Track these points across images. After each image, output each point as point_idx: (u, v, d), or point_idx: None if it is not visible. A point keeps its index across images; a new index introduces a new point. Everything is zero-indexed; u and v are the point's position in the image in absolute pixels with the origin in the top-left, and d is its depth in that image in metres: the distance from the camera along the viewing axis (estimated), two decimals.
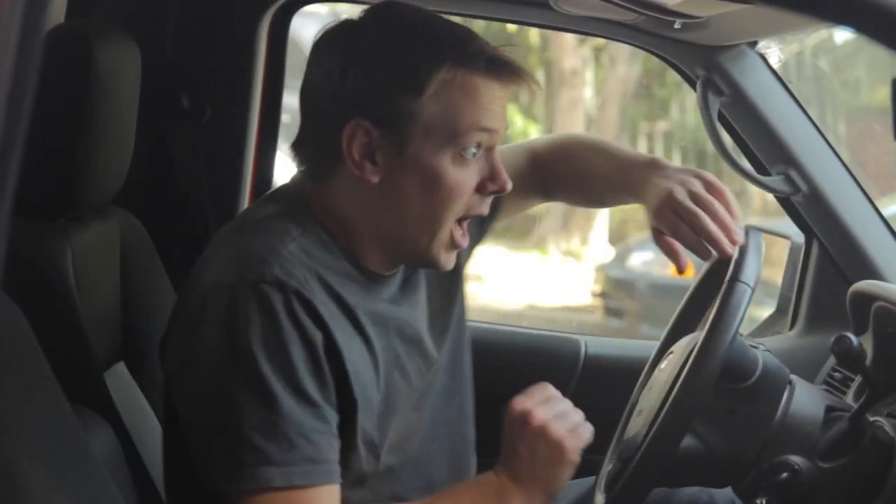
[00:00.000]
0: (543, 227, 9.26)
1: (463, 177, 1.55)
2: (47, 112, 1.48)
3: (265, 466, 1.44)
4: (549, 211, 9.19)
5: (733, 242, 1.65)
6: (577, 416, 1.58)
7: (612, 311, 7.26)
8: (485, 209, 1.60)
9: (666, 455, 1.56)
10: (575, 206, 2.03)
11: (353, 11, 2.56)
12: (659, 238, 1.72)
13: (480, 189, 1.57)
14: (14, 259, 1.07)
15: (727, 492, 1.91)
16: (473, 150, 1.55)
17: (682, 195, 1.68)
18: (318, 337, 1.48)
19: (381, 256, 1.60)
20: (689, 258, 1.71)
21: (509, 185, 1.58)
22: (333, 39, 1.57)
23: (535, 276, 8.85)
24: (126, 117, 1.74)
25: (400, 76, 1.52)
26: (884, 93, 1.25)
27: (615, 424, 1.84)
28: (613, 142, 1.94)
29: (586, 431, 1.57)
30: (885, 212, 2.31)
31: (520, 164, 1.91)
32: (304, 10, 2.45)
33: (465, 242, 1.60)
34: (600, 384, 2.33)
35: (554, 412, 1.57)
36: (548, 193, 1.95)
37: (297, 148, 1.61)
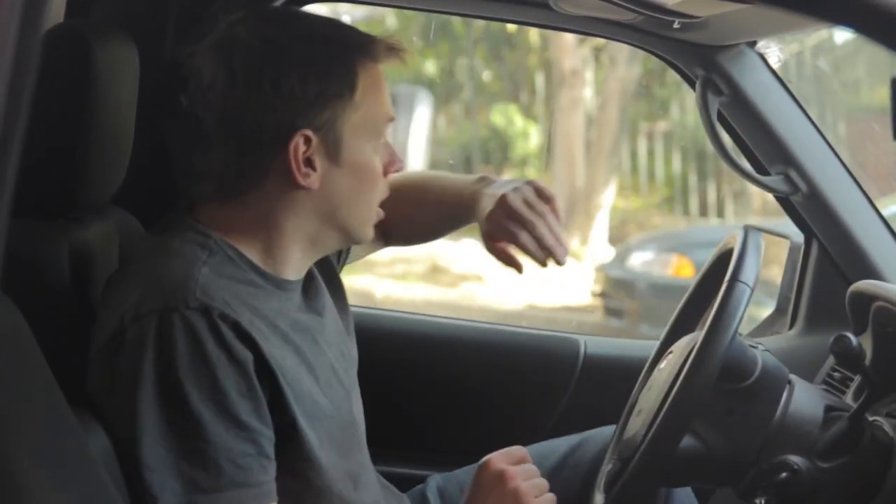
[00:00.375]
0: None
1: (378, 164, 1.62)
2: (46, 112, 1.48)
3: (195, 494, 1.44)
4: None
5: (566, 251, 1.73)
6: (544, 482, 1.62)
7: (611, 311, 7.25)
8: (387, 191, 1.66)
9: (665, 455, 1.56)
10: (410, 244, 2.06)
11: (353, 11, 2.55)
12: (493, 245, 1.75)
13: (385, 173, 1.64)
14: (14, 259, 1.07)
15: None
16: (383, 138, 1.63)
17: (516, 201, 1.73)
18: (248, 357, 1.48)
19: (300, 259, 1.62)
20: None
21: (403, 164, 1.66)
22: (245, 59, 1.55)
23: (535, 276, 8.85)
24: (125, 117, 1.74)
25: (334, 79, 1.55)
26: (884, 93, 1.25)
27: (614, 424, 1.85)
28: (438, 172, 1.99)
29: (551, 500, 1.61)
30: (885, 212, 2.31)
31: None
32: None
33: (381, 213, 1.67)
34: (600, 384, 2.33)
35: (526, 475, 1.60)
36: (386, 240, 1.96)
37: (208, 171, 1.58)
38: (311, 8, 2.43)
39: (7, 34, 0.93)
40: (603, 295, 7.29)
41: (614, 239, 8.91)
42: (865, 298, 1.84)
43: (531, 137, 9.84)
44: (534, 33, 9.78)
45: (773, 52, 2.27)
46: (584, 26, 2.35)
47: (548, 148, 9.83)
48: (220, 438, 1.45)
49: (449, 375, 2.33)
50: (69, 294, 1.63)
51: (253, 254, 1.58)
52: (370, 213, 1.64)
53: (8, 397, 1.26)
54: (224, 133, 1.57)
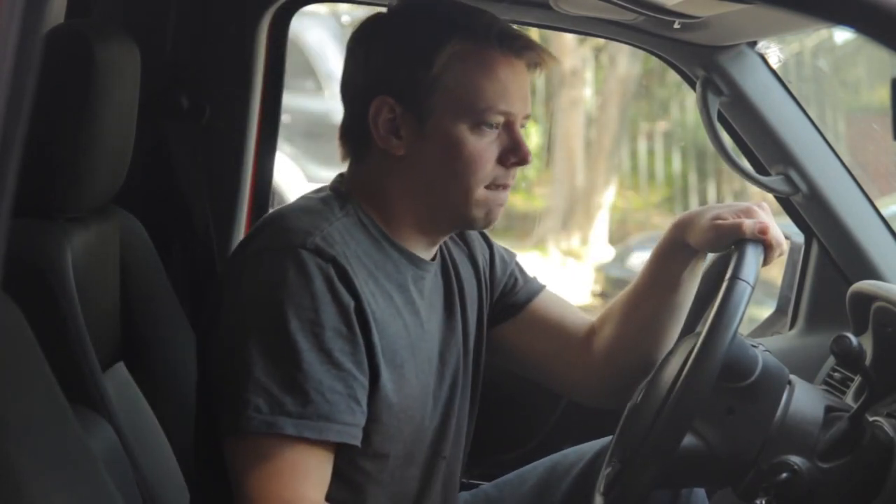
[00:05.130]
0: (543, 227, 9.26)
1: (483, 147, 1.64)
2: (47, 112, 1.48)
3: (279, 416, 1.50)
4: (550, 211, 9.19)
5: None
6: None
7: None
8: (510, 180, 1.68)
9: (666, 455, 1.56)
10: (666, 340, 1.91)
11: (353, 11, 2.55)
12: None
13: (502, 161, 1.66)
14: (14, 259, 1.07)
15: None
16: (493, 124, 1.64)
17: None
18: (350, 304, 1.56)
19: (417, 234, 1.69)
20: None
21: (530, 158, 1.66)
22: (361, 32, 1.69)
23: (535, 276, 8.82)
24: (126, 117, 1.74)
25: (411, 52, 1.62)
26: (884, 93, 1.25)
27: (615, 424, 1.84)
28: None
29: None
30: (885, 212, 2.31)
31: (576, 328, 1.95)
32: (304, 11, 2.45)
33: (504, 199, 1.68)
34: None
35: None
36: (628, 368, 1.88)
37: (341, 135, 1.71)
38: (311, 9, 2.43)
39: (7, 34, 0.93)
40: (603, 295, 7.30)
41: (614, 239, 8.91)
42: (865, 298, 1.84)
43: (531, 137, 9.84)
44: (534, 33, 9.78)
45: (773, 52, 2.27)
46: (584, 26, 2.35)
47: (548, 148, 9.82)
48: (312, 369, 1.52)
49: None
50: (69, 294, 1.63)
51: (380, 222, 1.66)
52: (467, 195, 1.65)
53: (8, 397, 1.26)
54: (343, 102, 1.70)
